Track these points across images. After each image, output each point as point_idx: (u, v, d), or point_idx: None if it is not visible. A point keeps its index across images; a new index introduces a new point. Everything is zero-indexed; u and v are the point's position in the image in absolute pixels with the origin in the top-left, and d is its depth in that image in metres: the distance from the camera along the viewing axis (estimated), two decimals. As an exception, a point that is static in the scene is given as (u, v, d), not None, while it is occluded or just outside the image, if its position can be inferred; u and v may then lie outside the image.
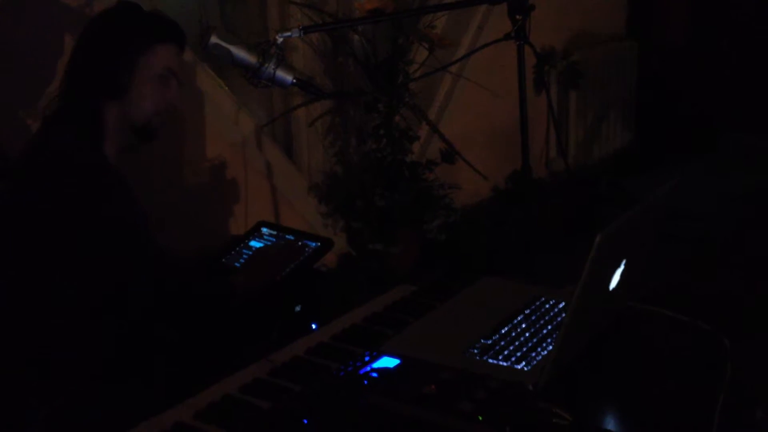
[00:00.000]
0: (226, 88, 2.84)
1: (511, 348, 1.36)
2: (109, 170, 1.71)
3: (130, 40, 1.71)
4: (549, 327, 1.44)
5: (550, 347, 1.36)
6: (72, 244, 1.61)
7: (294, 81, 1.75)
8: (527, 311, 1.50)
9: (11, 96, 2.22)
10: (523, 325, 1.44)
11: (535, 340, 1.39)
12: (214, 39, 1.71)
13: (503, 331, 1.42)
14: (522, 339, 1.39)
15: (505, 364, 1.32)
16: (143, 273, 1.68)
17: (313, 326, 1.61)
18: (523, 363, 1.32)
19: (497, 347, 1.37)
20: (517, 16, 1.95)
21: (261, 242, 1.98)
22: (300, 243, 1.94)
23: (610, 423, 1.22)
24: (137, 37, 1.72)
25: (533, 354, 1.35)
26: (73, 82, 1.72)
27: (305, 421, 1.20)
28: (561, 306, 1.52)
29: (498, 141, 3.67)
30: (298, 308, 1.83)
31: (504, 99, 3.36)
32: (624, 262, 1.33)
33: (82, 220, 1.61)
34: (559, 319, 1.47)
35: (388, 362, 1.34)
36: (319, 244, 1.93)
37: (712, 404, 1.23)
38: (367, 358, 1.36)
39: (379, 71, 3.09)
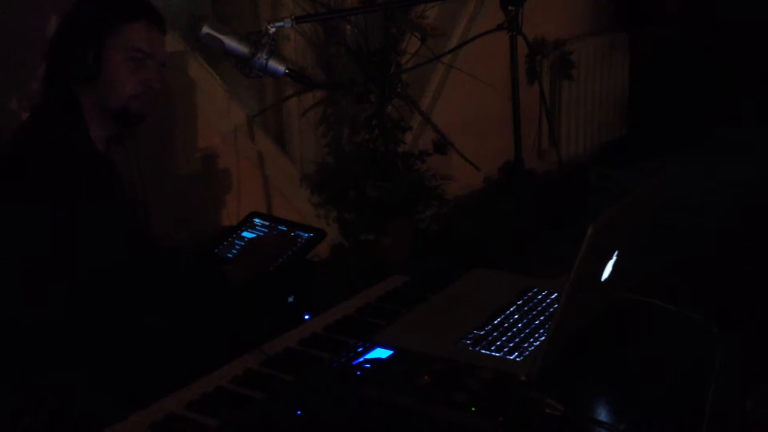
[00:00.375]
0: (218, 77, 2.83)
1: (504, 339, 1.37)
2: (94, 158, 1.69)
3: (96, 22, 1.67)
4: (541, 318, 1.45)
5: (543, 338, 1.37)
6: (58, 234, 1.60)
7: (286, 71, 1.75)
8: (519, 302, 1.50)
9: (1, 84, 2.21)
10: (516, 316, 1.45)
11: (527, 330, 1.40)
12: (206, 29, 1.70)
13: (496, 322, 1.42)
14: (514, 330, 1.40)
15: (497, 354, 1.32)
16: (131, 263, 1.67)
17: (306, 317, 1.61)
18: (516, 354, 1.32)
19: (490, 338, 1.37)
20: (510, 7, 1.95)
21: (253, 233, 1.98)
22: (292, 234, 1.94)
23: (602, 413, 1.22)
24: (104, 18, 1.67)
25: (525, 345, 1.35)
26: (50, 70, 1.70)
27: (298, 412, 1.20)
28: (553, 297, 1.53)
29: (490, 131, 3.67)
30: (290, 299, 1.83)
31: (496, 89, 3.36)
32: (616, 253, 1.34)
33: (67, 210, 1.60)
34: (551, 309, 1.48)
35: (380, 353, 1.35)
36: (311, 234, 1.93)
37: (703, 394, 1.24)
38: (360, 349, 1.36)
39: (371, 61, 3.08)
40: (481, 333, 1.38)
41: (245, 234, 1.98)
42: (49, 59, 1.71)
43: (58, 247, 1.61)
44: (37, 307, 1.63)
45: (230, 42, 1.71)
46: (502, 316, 1.45)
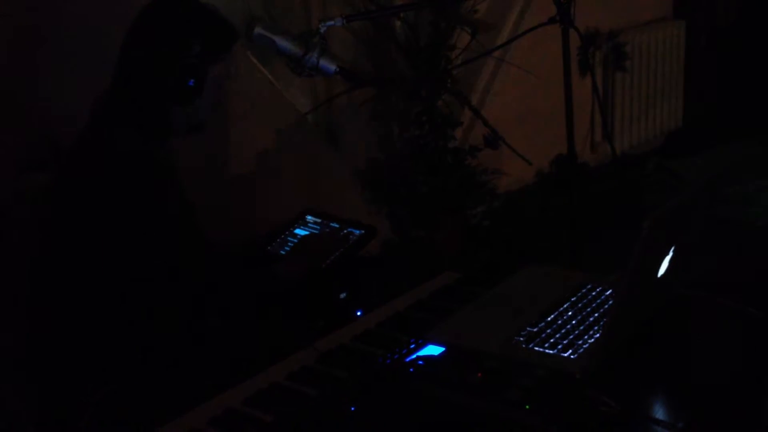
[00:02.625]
0: (270, 76, 2.86)
1: (558, 336, 1.36)
2: (162, 165, 1.73)
3: (207, 53, 1.69)
4: (596, 314, 1.43)
5: (597, 335, 1.35)
6: (118, 237, 1.64)
7: (337, 69, 1.76)
8: (574, 298, 1.49)
9: (64, 88, 2.27)
10: (570, 313, 1.44)
11: (581, 327, 1.38)
12: (258, 30, 1.72)
13: (549, 319, 1.41)
14: (568, 327, 1.39)
15: (551, 352, 1.31)
16: (188, 262, 1.71)
17: (358, 313, 1.62)
18: (570, 351, 1.31)
19: (543, 335, 1.36)
20: (562, 0, 1.93)
21: (306, 230, 2.00)
22: (344, 231, 1.95)
23: (659, 411, 1.21)
24: (211, 50, 1.70)
25: (580, 342, 1.34)
26: (139, 84, 1.71)
27: (352, 408, 1.21)
28: (608, 293, 1.51)
29: (542, 125, 3.63)
30: (343, 296, 1.84)
31: (548, 82, 3.32)
32: (673, 248, 1.31)
33: (130, 214, 1.64)
34: (606, 306, 1.46)
35: (433, 350, 1.35)
36: (363, 231, 1.94)
37: (762, 391, 1.21)
38: (412, 346, 1.36)
39: (421, 57, 3.08)
40: (535, 330, 1.38)
41: (298, 231, 2.00)
42: (145, 76, 1.71)
43: (119, 251, 1.65)
44: (94, 303, 1.67)
45: (282, 42, 1.73)
46: (556, 313, 1.43)
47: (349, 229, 1.95)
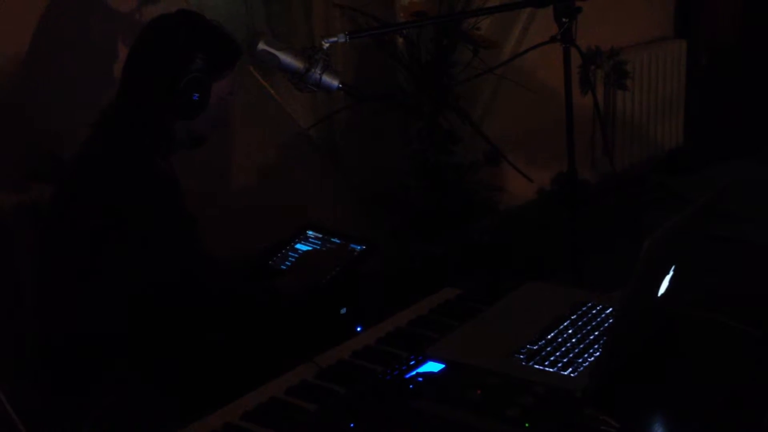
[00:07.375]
0: (272, 90, 2.87)
1: (558, 354, 1.35)
2: (164, 178, 1.74)
3: (208, 69, 1.71)
4: (596, 333, 1.43)
5: (598, 353, 1.35)
6: (118, 248, 1.65)
7: (339, 86, 1.77)
8: (574, 316, 1.49)
9: (66, 100, 2.27)
10: (570, 331, 1.43)
11: (582, 345, 1.38)
12: (261, 45, 1.72)
13: (550, 337, 1.41)
14: (569, 345, 1.38)
15: (551, 369, 1.31)
16: (188, 275, 1.71)
17: (358, 329, 1.62)
18: (570, 369, 1.31)
19: (544, 353, 1.36)
20: (564, 19, 1.94)
21: (307, 245, 2.00)
22: (346, 246, 1.95)
23: (659, 430, 1.20)
24: (215, 66, 1.72)
25: (580, 360, 1.33)
26: (142, 98, 1.72)
27: (351, 425, 1.21)
28: (609, 311, 1.51)
29: (543, 142, 3.64)
30: (343, 311, 1.84)
31: (549, 100, 3.33)
32: (673, 267, 1.31)
33: (130, 226, 1.65)
34: (606, 324, 1.46)
35: (432, 367, 1.35)
36: (364, 247, 1.94)
37: (761, 411, 1.21)
38: (412, 362, 1.36)
39: (423, 73, 3.09)
40: (535, 348, 1.37)
41: (299, 246, 2.00)
42: (149, 90, 1.72)
43: (119, 262, 1.65)
44: (95, 318, 1.67)
45: (285, 57, 1.74)
46: (556, 331, 1.43)
47: (351, 245, 1.95)
